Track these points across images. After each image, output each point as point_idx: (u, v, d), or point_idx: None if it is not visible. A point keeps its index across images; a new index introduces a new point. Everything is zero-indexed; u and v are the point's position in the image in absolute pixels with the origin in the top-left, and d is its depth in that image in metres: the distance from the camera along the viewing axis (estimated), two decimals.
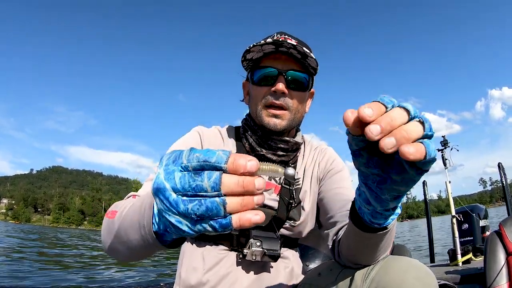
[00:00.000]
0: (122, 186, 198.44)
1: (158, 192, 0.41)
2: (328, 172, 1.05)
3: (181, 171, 0.40)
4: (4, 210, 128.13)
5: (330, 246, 0.92)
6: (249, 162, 0.39)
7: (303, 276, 1.02)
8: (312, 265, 1.46)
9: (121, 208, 0.69)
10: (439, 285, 2.53)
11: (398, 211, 0.63)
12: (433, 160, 0.42)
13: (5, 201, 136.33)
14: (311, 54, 0.91)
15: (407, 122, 0.41)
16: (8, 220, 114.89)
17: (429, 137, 0.42)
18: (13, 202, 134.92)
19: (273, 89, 0.94)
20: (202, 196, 0.39)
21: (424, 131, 0.41)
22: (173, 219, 0.41)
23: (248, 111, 1.08)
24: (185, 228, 0.41)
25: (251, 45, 0.92)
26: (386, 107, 0.41)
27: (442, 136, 4.54)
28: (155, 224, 0.51)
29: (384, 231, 0.66)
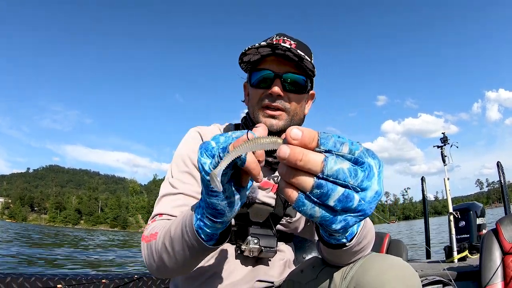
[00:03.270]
0: (119, 186, 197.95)
1: (199, 161, 0.52)
2: None
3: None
4: (1, 209, 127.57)
5: (315, 241, 0.94)
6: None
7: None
8: (309, 257, 1.46)
9: (161, 227, 0.78)
10: (435, 281, 2.51)
11: (354, 230, 0.64)
12: (307, 214, 0.42)
13: (1, 199, 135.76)
14: (306, 57, 0.90)
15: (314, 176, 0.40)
16: (4, 219, 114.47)
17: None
18: (10, 201, 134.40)
19: (269, 91, 0.95)
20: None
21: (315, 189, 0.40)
22: (202, 162, 0.52)
23: (247, 111, 1.12)
24: (207, 168, 0.51)
25: (247, 48, 0.93)
26: (318, 145, 0.40)
27: (442, 133, 4.51)
28: (200, 227, 0.63)
29: (343, 248, 0.66)
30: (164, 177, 1.02)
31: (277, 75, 0.94)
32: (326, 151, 0.40)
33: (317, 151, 0.40)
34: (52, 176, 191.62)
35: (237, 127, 1.12)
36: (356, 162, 0.41)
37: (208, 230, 0.62)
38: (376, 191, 0.42)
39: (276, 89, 0.93)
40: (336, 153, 0.40)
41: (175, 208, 0.90)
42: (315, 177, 0.40)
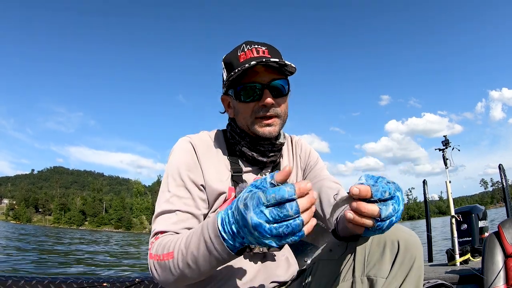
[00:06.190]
0: (123, 187, 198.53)
1: (256, 228, 0.58)
2: (308, 164, 1.18)
3: (267, 208, 0.57)
4: (5, 211, 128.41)
5: (331, 230, 1.00)
6: (307, 184, 0.58)
7: (297, 263, 1.17)
8: (310, 260, 1.49)
9: (173, 245, 0.81)
10: (437, 285, 2.50)
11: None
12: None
13: (6, 201, 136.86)
14: (287, 62, 0.95)
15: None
16: (9, 220, 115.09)
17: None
18: (14, 202, 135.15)
19: (261, 103, 0.99)
20: (287, 220, 0.57)
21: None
22: (267, 241, 0.59)
23: (229, 118, 1.13)
24: (274, 244, 0.59)
25: (231, 73, 0.94)
26: (372, 196, 0.63)
27: (444, 136, 4.52)
28: (230, 245, 0.68)
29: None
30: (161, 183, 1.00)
31: (265, 86, 0.98)
32: (377, 200, 0.63)
33: (372, 201, 0.63)
34: (56, 177, 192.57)
35: (225, 133, 1.13)
36: (392, 198, 0.64)
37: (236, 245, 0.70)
38: (401, 210, 0.67)
39: (269, 100, 0.97)
40: (382, 199, 0.63)
41: (175, 225, 0.92)
42: (374, 219, 0.64)
